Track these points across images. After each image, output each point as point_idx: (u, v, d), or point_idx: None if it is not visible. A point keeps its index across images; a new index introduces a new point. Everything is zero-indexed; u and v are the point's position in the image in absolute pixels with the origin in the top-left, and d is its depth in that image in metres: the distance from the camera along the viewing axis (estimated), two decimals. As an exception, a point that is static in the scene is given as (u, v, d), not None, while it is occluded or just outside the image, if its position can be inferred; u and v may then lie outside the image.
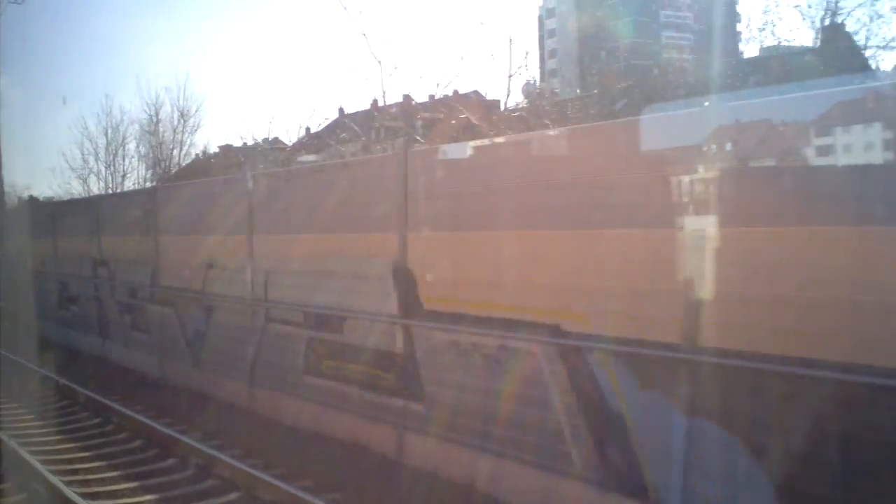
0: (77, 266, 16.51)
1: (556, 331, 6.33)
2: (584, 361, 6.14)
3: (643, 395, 5.76)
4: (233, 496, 7.38)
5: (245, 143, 26.78)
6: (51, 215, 19.11)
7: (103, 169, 33.11)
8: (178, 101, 33.39)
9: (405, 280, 7.84)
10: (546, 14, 75.39)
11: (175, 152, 31.15)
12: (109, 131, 32.85)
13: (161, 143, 30.66)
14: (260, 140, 23.11)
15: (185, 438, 8.94)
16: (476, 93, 25.59)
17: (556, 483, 6.40)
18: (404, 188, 7.91)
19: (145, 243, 13.12)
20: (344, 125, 23.24)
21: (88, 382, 11.91)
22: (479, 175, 7.17)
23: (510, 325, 6.74)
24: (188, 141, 32.54)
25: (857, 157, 4.85)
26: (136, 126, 32.99)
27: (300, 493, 6.84)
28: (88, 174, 33.63)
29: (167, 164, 30.54)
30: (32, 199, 41.50)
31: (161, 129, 31.26)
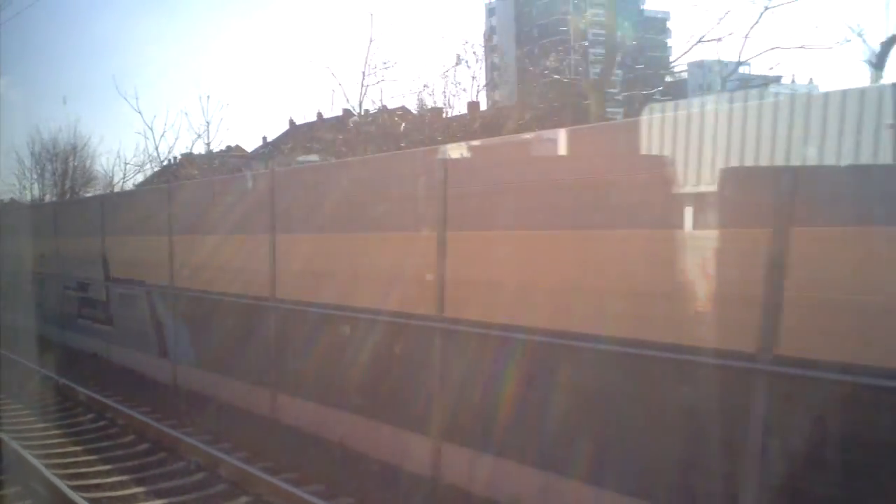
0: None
1: (143, 283, 13.10)
2: (153, 299, 12.90)
3: (167, 314, 12.50)
4: (32, 381, 14.29)
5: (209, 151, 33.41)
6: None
7: (30, 185, 40.93)
8: (72, 138, 41.22)
9: (104, 262, 14.62)
10: (490, 30, 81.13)
11: (74, 175, 39.16)
12: (34, 156, 40.78)
13: (64, 172, 38.63)
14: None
15: (15, 357, 15.86)
16: (403, 107, 30.38)
17: (156, 361, 13.13)
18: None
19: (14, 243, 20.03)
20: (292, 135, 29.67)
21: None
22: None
23: (136, 282, 13.46)
24: (81, 166, 40.54)
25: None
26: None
27: (50, 372, 13.73)
28: (22, 189, 41.29)
29: (62, 186, 38.47)
30: (14, 201, 48.41)
31: (58, 160, 39.14)
